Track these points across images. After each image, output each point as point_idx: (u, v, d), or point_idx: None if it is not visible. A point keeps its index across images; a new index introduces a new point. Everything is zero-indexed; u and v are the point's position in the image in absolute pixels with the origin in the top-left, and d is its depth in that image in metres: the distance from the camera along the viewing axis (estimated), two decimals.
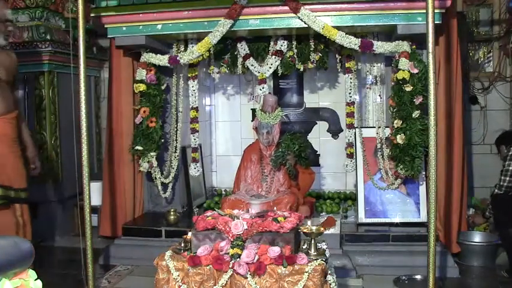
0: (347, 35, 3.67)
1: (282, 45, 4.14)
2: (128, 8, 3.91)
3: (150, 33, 3.99)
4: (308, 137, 5.06)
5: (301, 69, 4.27)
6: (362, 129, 4.18)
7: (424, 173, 3.86)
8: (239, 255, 2.39)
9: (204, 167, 4.99)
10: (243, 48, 4.23)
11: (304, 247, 2.56)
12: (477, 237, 3.94)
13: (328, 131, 5.09)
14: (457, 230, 3.82)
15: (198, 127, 4.49)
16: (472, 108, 4.86)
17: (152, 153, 4.15)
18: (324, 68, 4.36)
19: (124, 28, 4.01)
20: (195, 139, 4.48)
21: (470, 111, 4.84)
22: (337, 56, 4.22)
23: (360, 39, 3.69)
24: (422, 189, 3.95)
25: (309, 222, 2.61)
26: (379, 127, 4.06)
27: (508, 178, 3.57)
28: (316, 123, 5.11)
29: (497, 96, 4.81)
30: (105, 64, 5.11)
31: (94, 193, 3.90)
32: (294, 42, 4.18)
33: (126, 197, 4.33)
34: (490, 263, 3.78)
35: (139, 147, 4.12)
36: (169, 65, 4.08)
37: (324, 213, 4.34)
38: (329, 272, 2.52)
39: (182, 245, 2.60)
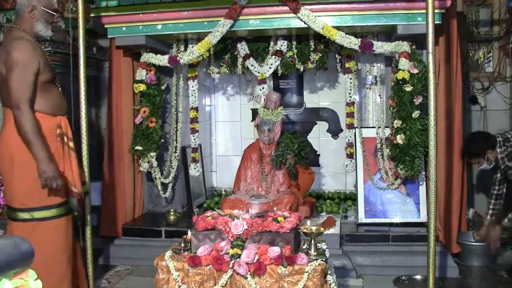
0: (347, 35, 3.67)
1: (282, 45, 4.14)
2: (128, 8, 3.91)
3: (150, 33, 3.99)
4: (308, 137, 5.07)
5: (301, 69, 4.27)
6: (362, 129, 4.18)
7: (424, 173, 3.85)
8: (239, 255, 2.39)
9: (204, 167, 4.99)
10: (243, 48, 4.23)
11: (304, 247, 2.57)
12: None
13: (328, 131, 5.09)
14: (457, 230, 3.81)
15: (198, 127, 4.49)
16: (472, 108, 4.85)
17: (152, 153, 4.15)
18: (324, 68, 4.36)
19: (124, 28, 4.01)
20: (195, 139, 4.48)
21: (470, 111, 4.82)
22: (337, 56, 4.22)
23: (360, 39, 3.69)
24: (422, 189, 3.95)
25: (308, 222, 2.61)
26: (379, 127, 4.06)
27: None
28: (316, 123, 5.11)
29: (497, 96, 4.80)
30: (105, 64, 5.11)
31: (94, 193, 3.91)
32: (294, 42, 4.18)
33: (126, 197, 4.32)
34: (490, 263, 3.78)
35: (139, 147, 4.12)
36: (169, 65, 4.09)
37: (324, 213, 4.34)
38: (329, 272, 2.52)
39: (182, 245, 2.60)
